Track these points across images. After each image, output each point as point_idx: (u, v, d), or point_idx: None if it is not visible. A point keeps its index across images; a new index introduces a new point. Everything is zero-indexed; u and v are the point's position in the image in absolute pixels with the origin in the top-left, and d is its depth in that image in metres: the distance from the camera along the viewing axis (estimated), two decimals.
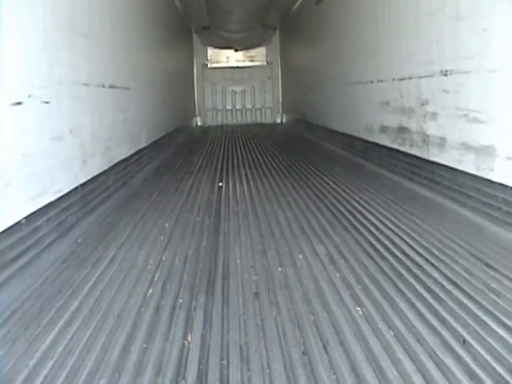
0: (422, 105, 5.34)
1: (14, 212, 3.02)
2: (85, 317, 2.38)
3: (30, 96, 3.31)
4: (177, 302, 2.55)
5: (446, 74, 4.75)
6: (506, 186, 3.76)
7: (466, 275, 2.79)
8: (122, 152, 5.96)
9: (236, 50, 18.73)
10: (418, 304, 2.42)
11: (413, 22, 5.49)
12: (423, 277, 2.79)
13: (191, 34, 17.86)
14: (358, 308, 2.41)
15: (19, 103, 3.13)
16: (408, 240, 3.49)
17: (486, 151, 4.05)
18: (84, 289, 2.77)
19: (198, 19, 15.84)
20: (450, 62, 4.66)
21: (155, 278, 2.90)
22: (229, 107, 19.19)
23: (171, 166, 7.65)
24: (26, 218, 3.14)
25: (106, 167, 5.16)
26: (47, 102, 3.60)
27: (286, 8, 14.52)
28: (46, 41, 3.69)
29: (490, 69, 3.97)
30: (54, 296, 2.67)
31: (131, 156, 6.41)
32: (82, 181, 4.37)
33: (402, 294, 2.56)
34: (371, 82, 7.13)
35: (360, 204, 4.62)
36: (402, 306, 2.41)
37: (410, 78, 5.65)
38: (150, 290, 2.71)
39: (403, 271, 2.89)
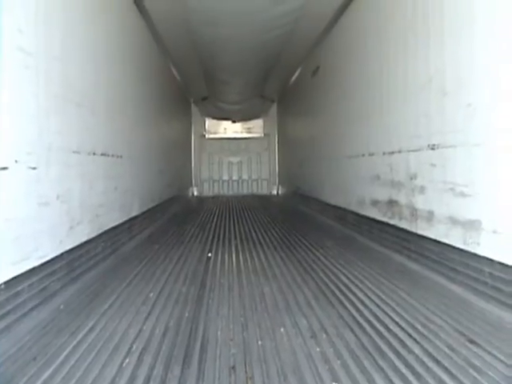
0: (411, 178, 5.39)
1: None
2: None
3: (16, 161, 3.34)
4: (152, 373, 2.51)
5: (433, 148, 4.82)
6: (492, 261, 3.77)
7: (448, 351, 2.78)
8: (113, 219, 5.96)
9: (234, 122, 19.02)
10: (396, 381, 2.39)
11: (401, 96, 5.64)
12: (404, 352, 2.76)
13: (190, 104, 18.19)
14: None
15: (5, 168, 3.16)
16: (392, 315, 3.47)
17: (472, 225, 4.08)
18: (60, 357, 2.74)
19: (196, 90, 16.13)
20: (436, 135, 4.75)
21: (133, 348, 2.87)
22: (225, 178, 19.34)
23: (163, 234, 7.63)
24: (6, 283, 3.12)
25: (94, 234, 5.15)
26: (34, 168, 3.63)
27: (283, 80, 14.83)
28: (39, 108, 3.76)
29: (474, 143, 4.05)
30: (27, 363, 2.64)
31: (122, 224, 6.41)
32: (68, 247, 4.35)
33: (381, 370, 2.53)
34: (362, 155, 7.22)
35: (348, 278, 4.60)
36: (380, 382, 2.37)
37: (399, 152, 5.73)
38: (127, 360, 2.68)
39: (384, 347, 2.87)
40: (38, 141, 3.75)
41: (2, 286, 3.08)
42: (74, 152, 4.59)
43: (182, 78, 13.65)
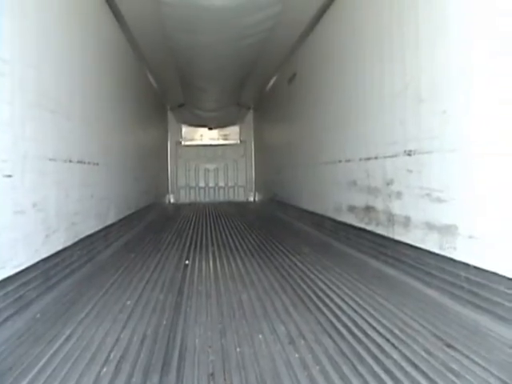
0: (388, 184, 5.43)
1: None
2: None
3: None
4: (130, 381, 2.50)
5: (409, 154, 4.87)
6: (468, 265, 3.81)
7: (425, 355, 2.80)
8: (89, 227, 5.91)
9: (210, 128, 19.03)
10: None
11: (378, 103, 5.68)
12: (382, 357, 2.78)
13: (166, 111, 18.17)
14: None
15: None
16: (370, 320, 3.49)
17: (448, 230, 4.12)
18: (36, 366, 2.71)
19: (173, 97, 16.13)
20: (413, 142, 4.80)
21: (110, 357, 2.84)
22: (202, 185, 19.34)
23: (139, 242, 7.59)
24: None
25: (70, 242, 5.11)
26: (10, 176, 3.59)
27: (259, 87, 14.87)
28: (13, 115, 3.72)
29: (449, 149, 4.10)
30: (3, 374, 2.60)
31: (98, 231, 6.36)
32: (44, 255, 4.31)
33: (360, 375, 2.54)
34: (339, 161, 7.25)
35: (325, 284, 4.61)
36: None
37: (375, 158, 5.77)
38: (104, 369, 2.66)
39: (362, 352, 2.88)
40: (13, 148, 3.72)
41: None
42: (49, 159, 4.55)
43: (158, 84, 13.61)
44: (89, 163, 5.99)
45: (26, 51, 4.09)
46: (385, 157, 5.49)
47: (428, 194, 4.49)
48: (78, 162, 5.51)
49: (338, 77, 7.33)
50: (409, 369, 2.61)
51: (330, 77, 7.76)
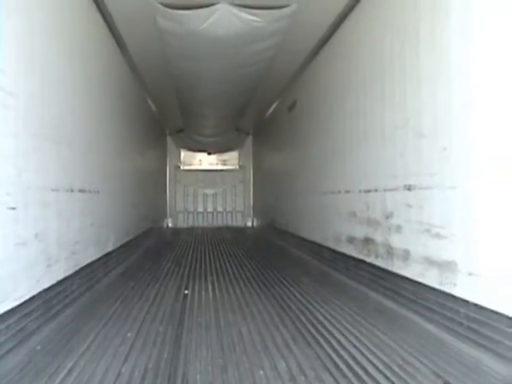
0: (387, 217, 5.47)
1: None
2: None
3: None
4: None
5: (409, 189, 4.91)
6: (468, 302, 3.83)
7: None
8: (89, 256, 5.93)
9: (209, 154, 19.13)
10: None
11: (378, 136, 5.76)
12: None
13: (165, 135, 18.30)
14: None
15: None
16: (369, 356, 3.50)
17: (448, 266, 4.15)
18: None
19: (172, 122, 16.29)
20: (413, 176, 4.86)
21: None
22: (200, 210, 19.37)
23: (138, 270, 7.59)
24: None
25: (71, 271, 5.12)
26: (14, 208, 3.62)
27: (259, 114, 15.00)
28: (18, 147, 3.76)
29: (450, 185, 4.14)
30: None
31: (98, 259, 6.37)
32: (46, 286, 4.33)
33: None
34: (339, 192, 7.30)
35: (324, 317, 4.61)
36: None
37: (375, 191, 5.82)
38: None
39: None
40: (17, 180, 3.75)
41: None
42: (52, 190, 4.58)
43: (158, 109, 13.71)
44: (89, 191, 6.03)
45: (31, 83, 4.14)
46: (385, 190, 5.53)
47: (428, 230, 4.53)
48: (79, 190, 5.55)
49: (338, 107, 7.41)
50: None
51: (331, 106, 7.85)
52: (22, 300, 3.77)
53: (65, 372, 3.19)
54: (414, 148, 4.83)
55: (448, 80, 4.20)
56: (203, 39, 7.44)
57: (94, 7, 6.39)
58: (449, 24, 4.18)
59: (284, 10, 6.66)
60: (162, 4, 6.45)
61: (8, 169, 3.61)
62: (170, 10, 6.55)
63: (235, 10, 6.54)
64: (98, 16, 6.67)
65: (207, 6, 6.47)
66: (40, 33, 4.39)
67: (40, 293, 4.18)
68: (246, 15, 6.64)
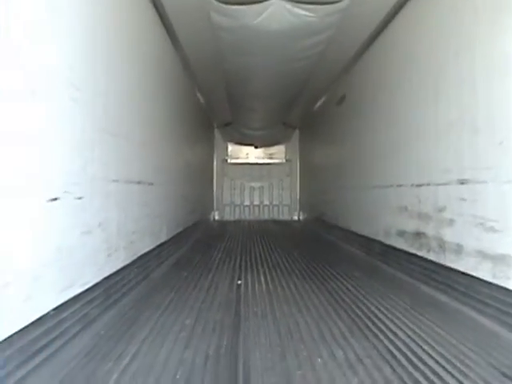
0: (439, 211, 5.45)
1: (43, 304, 3.13)
2: None
3: (65, 192, 3.47)
4: None
5: (463, 183, 4.89)
6: None
7: None
8: (145, 246, 6.08)
9: (256, 147, 19.17)
10: None
11: (432, 131, 5.71)
12: None
13: (213, 129, 18.41)
14: None
15: (56, 199, 3.29)
16: (425, 347, 3.51)
17: (502, 260, 4.13)
18: None
19: (220, 115, 16.34)
20: (467, 170, 4.82)
21: (177, 377, 2.94)
22: (247, 203, 19.44)
23: (190, 261, 7.70)
24: (54, 309, 3.24)
25: (129, 261, 5.27)
26: (80, 198, 3.76)
27: (306, 108, 14.95)
28: (84, 140, 3.90)
29: (506, 180, 4.12)
30: None
31: (152, 250, 6.52)
32: (107, 274, 4.47)
33: None
34: (390, 186, 7.28)
35: (380, 310, 4.62)
36: None
37: (427, 185, 5.80)
38: None
39: (421, 379, 2.91)
40: (83, 172, 3.89)
41: (51, 313, 3.19)
42: (113, 181, 4.72)
43: (206, 102, 13.81)
44: (145, 183, 6.16)
45: (96, 79, 4.29)
46: (437, 184, 5.51)
47: (481, 224, 4.50)
48: (137, 182, 5.68)
49: (389, 102, 7.38)
50: None
51: (382, 101, 7.82)
52: (87, 287, 3.91)
53: (129, 356, 3.29)
54: (469, 143, 4.80)
55: (505, 74, 4.17)
56: (256, 34, 7.51)
57: (149, 3, 6.51)
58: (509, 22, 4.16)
59: (337, 4, 6.67)
60: (216, 0, 6.54)
61: (75, 161, 3.75)
62: (224, 6, 6.63)
63: (288, 6, 6.59)
64: (154, 12, 6.79)
65: (261, 1, 6.54)
66: (101, 31, 4.52)
67: (101, 281, 4.32)
68: (298, 10, 6.70)
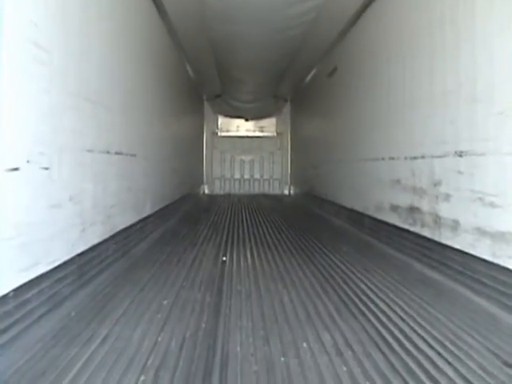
0: (435, 185, 5.21)
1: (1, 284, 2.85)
2: None
3: (28, 162, 3.18)
4: None
5: (460, 155, 4.63)
6: None
7: (483, 374, 2.58)
8: (125, 220, 5.81)
9: (246, 120, 18.95)
10: None
11: (426, 101, 5.44)
12: (436, 375, 2.58)
13: (202, 101, 18.12)
14: None
15: (16, 169, 3.00)
16: (419, 330, 3.30)
17: (502, 237, 3.89)
18: (71, 371, 2.56)
19: (210, 87, 16.07)
20: (465, 142, 4.56)
21: (149, 362, 2.69)
22: (237, 176, 19.24)
23: (175, 235, 7.49)
24: (14, 290, 2.96)
25: (107, 236, 5.00)
26: (47, 168, 3.47)
27: (297, 80, 14.68)
28: (51, 105, 3.59)
29: (507, 152, 3.85)
30: (37, 379, 2.47)
31: (134, 224, 6.26)
32: (80, 250, 4.20)
33: None
34: (382, 158, 7.03)
35: (368, 287, 4.42)
36: None
37: (422, 157, 5.54)
38: (142, 377, 2.50)
39: (414, 367, 2.68)
40: (51, 140, 3.59)
41: (11, 294, 2.92)
42: (87, 151, 4.43)
43: (195, 74, 13.49)
44: (126, 154, 5.88)
45: (68, 41, 3.96)
46: (433, 156, 5.25)
47: (480, 198, 4.26)
48: (116, 153, 5.40)
49: (382, 72, 7.09)
50: None
51: (374, 72, 7.53)
52: (55, 264, 3.64)
53: (100, 339, 3.05)
54: (467, 113, 4.52)
55: (506, 41, 3.89)
56: (243, 1, 7.22)
57: None
58: None
59: None
60: None
61: (41, 127, 3.44)
62: None
63: None
64: None
65: None
66: None
67: (74, 257, 4.05)
68: None
